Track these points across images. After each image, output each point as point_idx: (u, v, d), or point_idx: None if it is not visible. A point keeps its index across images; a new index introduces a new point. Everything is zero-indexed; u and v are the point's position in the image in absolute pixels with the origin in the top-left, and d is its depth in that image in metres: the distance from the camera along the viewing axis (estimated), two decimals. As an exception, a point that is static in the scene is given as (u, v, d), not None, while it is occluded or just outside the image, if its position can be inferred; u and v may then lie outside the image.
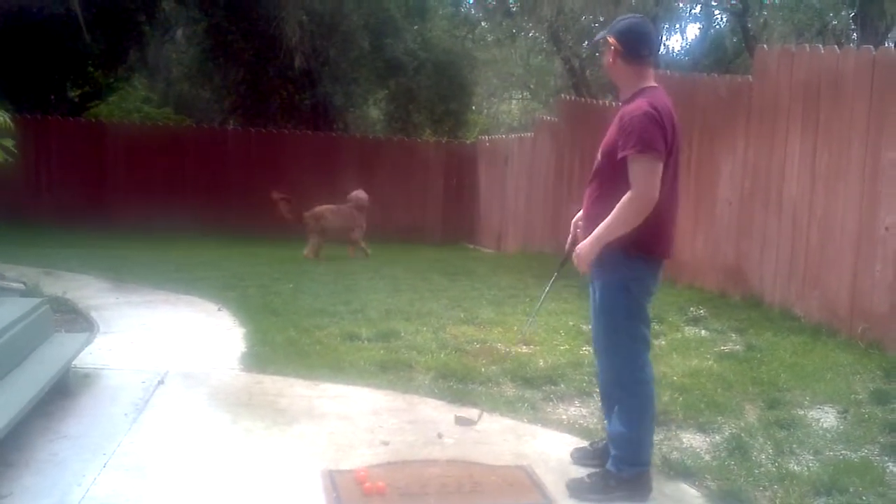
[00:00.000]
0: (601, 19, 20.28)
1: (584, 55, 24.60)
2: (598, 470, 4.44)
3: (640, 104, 4.12)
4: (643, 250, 4.21)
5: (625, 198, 4.08)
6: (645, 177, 4.04)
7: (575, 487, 4.35)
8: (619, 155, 4.10)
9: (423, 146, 21.65)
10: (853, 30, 21.38)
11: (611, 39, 4.32)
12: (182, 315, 8.59)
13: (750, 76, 10.07)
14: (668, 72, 12.72)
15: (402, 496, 4.23)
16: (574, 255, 4.33)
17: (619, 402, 4.36)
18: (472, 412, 4.38)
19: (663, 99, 4.23)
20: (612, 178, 4.20)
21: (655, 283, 4.38)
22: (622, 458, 4.32)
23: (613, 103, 13.49)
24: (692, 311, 8.84)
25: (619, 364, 4.34)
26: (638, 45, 4.29)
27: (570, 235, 4.71)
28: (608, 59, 4.39)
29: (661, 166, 4.07)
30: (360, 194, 14.74)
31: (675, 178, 4.31)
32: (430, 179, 20.65)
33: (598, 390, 6.05)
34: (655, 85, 4.32)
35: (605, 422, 4.76)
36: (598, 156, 4.35)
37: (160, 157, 19.09)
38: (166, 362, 6.53)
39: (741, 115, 9.90)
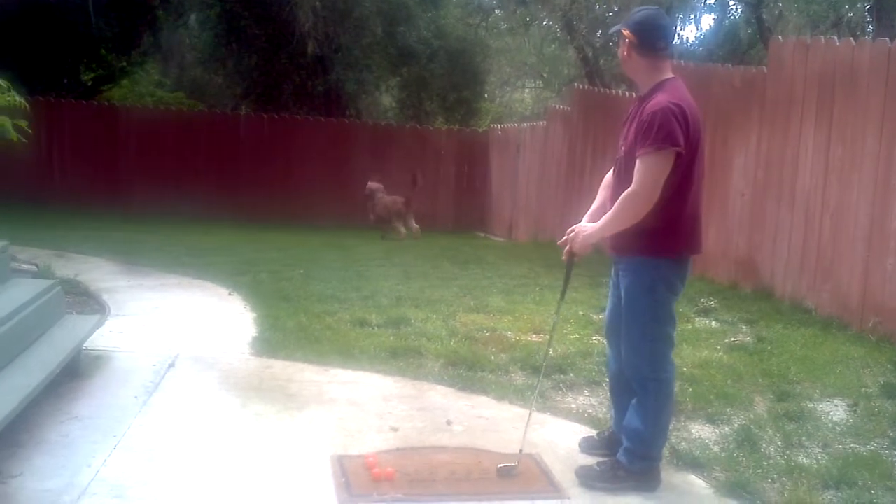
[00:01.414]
0: (615, 8, 20.20)
1: (597, 44, 24.47)
2: (608, 459, 4.44)
3: (659, 100, 4.05)
4: (670, 252, 4.21)
5: (626, 194, 4.07)
6: (652, 174, 4.01)
7: (584, 475, 4.36)
8: (637, 153, 4.05)
9: (435, 134, 21.61)
10: (868, 22, 21.24)
11: (626, 32, 4.25)
12: (193, 299, 8.62)
13: (764, 67, 10.03)
14: (682, 62, 12.66)
15: (410, 482, 4.24)
16: (573, 232, 4.29)
17: (638, 398, 4.34)
18: (510, 459, 4.42)
19: (683, 92, 4.17)
20: None
21: (682, 282, 4.34)
22: (634, 452, 4.31)
23: (627, 93, 13.45)
24: (703, 303, 8.83)
25: (641, 362, 4.30)
26: (653, 38, 4.21)
27: None
28: (623, 52, 4.31)
29: (671, 164, 4.00)
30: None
31: (701, 174, 4.28)
32: (441, 167, 20.62)
33: (607, 379, 6.09)
34: (673, 76, 4.26)
35: (612, 411, 4.77)
36: (623, 154, 4.28)
37: (173, 142, 19.11)
38: (177, 346, 6.56)
39: (755, 106, 9.86)
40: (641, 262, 4.21)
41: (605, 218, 4.22)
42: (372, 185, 16.56)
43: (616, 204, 4.14)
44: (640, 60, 4.25)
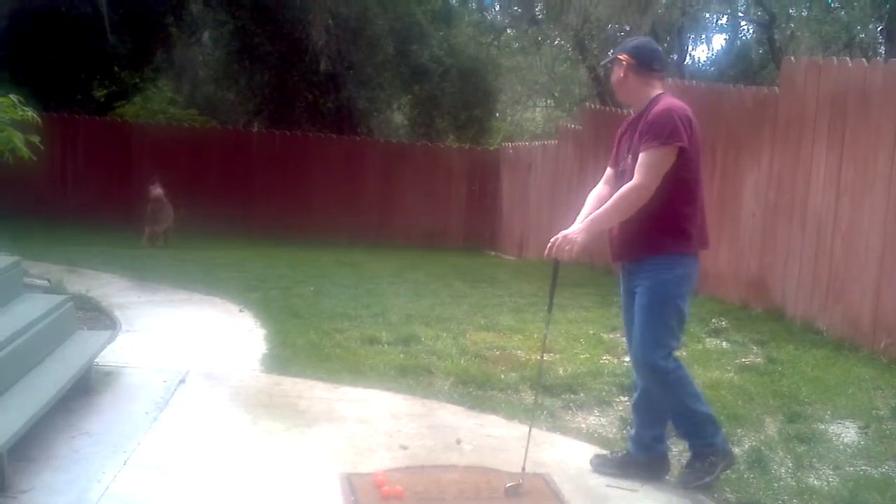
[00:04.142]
0: (627, 28, 20.23)
1: (609, 64, 24.50)
2: (690, 460, 4.54)
3: (663, 104, 4.34)
4: (687, 247, 4.40)
5: (628, 186, 4.29)
6: (655, 168, 4.24)
7: (685, 480, 4.48)
8: (642, 149, 4.27)
9: (446, 152, 21.66)
10: (881, 43, 21.26)
11: (623, 56, 4.55)
12: (204, 315, 8.64)
13: (776, 88, 10.03)
14: (694, 82, 12.69)
15: (419, 501, 4.24)
16: (563, 238, 4.34)
17: (663, 404, 4.50)
18: (518, 479, 4.41)
19: (678, 101, 4.44)
20: None
21: (696, 278, 4.54)
22: (701, 438, 4.46)
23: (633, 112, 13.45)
24: (714, 323, 8.80)
25: (661, 359, 4.37)
26: (650, 59, 4.55)
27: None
28: (619, 75, 4.59)
29: (673, 159, 4.24)
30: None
31: (701, 175, 4.48)
32: (452, 185, 20.65)
33: (618, 399, 6.09)
34: (664, 92, 4.53)
35: (633, 430, 4.76)
36: (629, 158, 4.44)
37: (185, 158, 19.14)
38: (188, 362, 6.56)
39: (767, 126, 9.86)
40: (664, 261, 4.36)
41: (598, 212, 4.42)
42: (157, 191, 15.97)
43: (614, 198, 4.36)
44: (637, 80, 4.53)
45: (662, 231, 4.33)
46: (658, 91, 4.49)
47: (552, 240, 4.37)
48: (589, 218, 4.42)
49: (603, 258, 11.79)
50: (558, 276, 4.59)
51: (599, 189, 4.73)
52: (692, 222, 4.38)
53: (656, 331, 4.37)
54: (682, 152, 4.24)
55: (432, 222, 20.12)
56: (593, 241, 4.38)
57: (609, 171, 4.75)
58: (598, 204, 4.55)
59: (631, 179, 4.35)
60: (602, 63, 5.39)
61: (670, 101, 4.36)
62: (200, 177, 19.12)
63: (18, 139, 7.03)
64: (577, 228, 4.38)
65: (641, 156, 4.26)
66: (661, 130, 4.22)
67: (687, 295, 4.46)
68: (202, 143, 19.70)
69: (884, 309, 7.81)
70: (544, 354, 7.37)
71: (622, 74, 4.55)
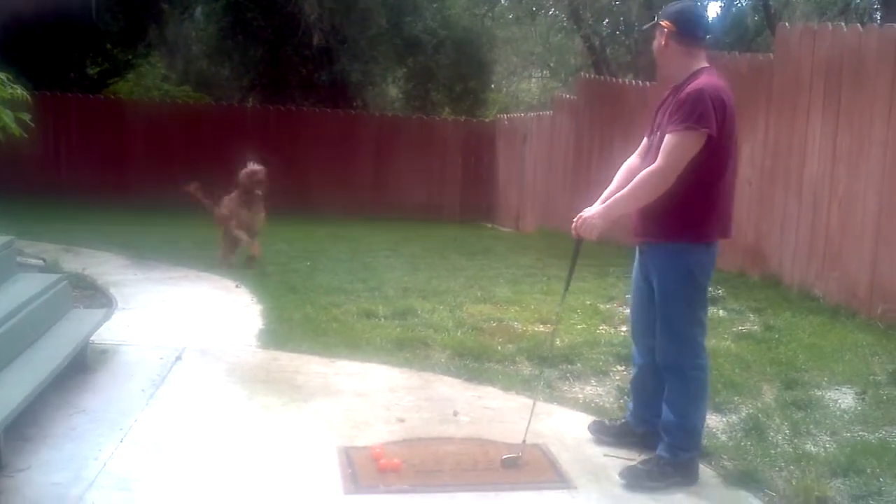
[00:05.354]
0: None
1: (604, 33, 24.41)
2: (651, 457, 4.36)
3: (698, 83, 4.09)
4: (704, 236, 4.23)
5: (648, 170, 4.11)
6: (677, 152, 4.03)
7: (630, 476, 4.26)
8: (668, 130, 4.07)
9: (441, 124, 21.56)
10: (876, 9, 21.16)
11: (664, 22, 4.27)
12: (200, 292, 8.63)
13: (771, 54, 9.98)
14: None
15: (417, 473, 4.24)
16: (582, 221, 4.25)
17: (674, 390, 4.32)
18: (516, 450, 4.40)
19: (721, 80, 4.21)
20: None
21: (713, 266, 4.38)
22: (676, 445, 4.28)
23: (634, 82, 13.39)
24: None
25: (681, 351, 4.28)
26: (692, 26, 4.26)
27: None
28: (660, 42, 4.32)
29: (700, 145, 4.02)
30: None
31: (736, 161, 4.31)
32: (448, 158, 20.57)
33: (615, 368, 6.08)
34: (709, 65, 4.28)
35: (631, 403, 4.75)
36: (658, 134, 4.26)
37: (179, 135, 19.07)
38: (184, 338, 6.56)
39: (762, 93, 9.82)
40: (678, 249, 4.22)
41: (618, 195, 4.24)
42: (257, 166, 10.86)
43: (634, 181, 4.16)
44: (678, 49, 4.27)
45: (680, 216, 4.15)
46: (702, 64, 4.24)
47: (574, 220, 4.28)
48: (609, 201, 4.27)
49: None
50: (578, 255, 4.53)
51: (632, 160, 4.57)
52: (713, 210, 4.20)
53: (677, 324, 4.28)
54: (709, 139, 4.02)
55: (428, 195, 20.07)
56: (612, 224, 4.26)
57: (644, 141, 4.55)
58: (627, 177, 4.39)
59: (656, 157, 4.18)
60: (643, 27, 5.18)
61: (707, 81, 4.10)
62: (195, 153, 19.02)
63: (8, 117, 6.98)
64: (595, 212, 4.25)
65: (666, 138, 4.07)
66: (690, 114, 3.99)
67: (705, 283, 4.33)
68: (196, 120, 19.59)
69: (880, 275, 7.81)
70: (542, 325, 7.41)
71: (663, 42, 4.29)
